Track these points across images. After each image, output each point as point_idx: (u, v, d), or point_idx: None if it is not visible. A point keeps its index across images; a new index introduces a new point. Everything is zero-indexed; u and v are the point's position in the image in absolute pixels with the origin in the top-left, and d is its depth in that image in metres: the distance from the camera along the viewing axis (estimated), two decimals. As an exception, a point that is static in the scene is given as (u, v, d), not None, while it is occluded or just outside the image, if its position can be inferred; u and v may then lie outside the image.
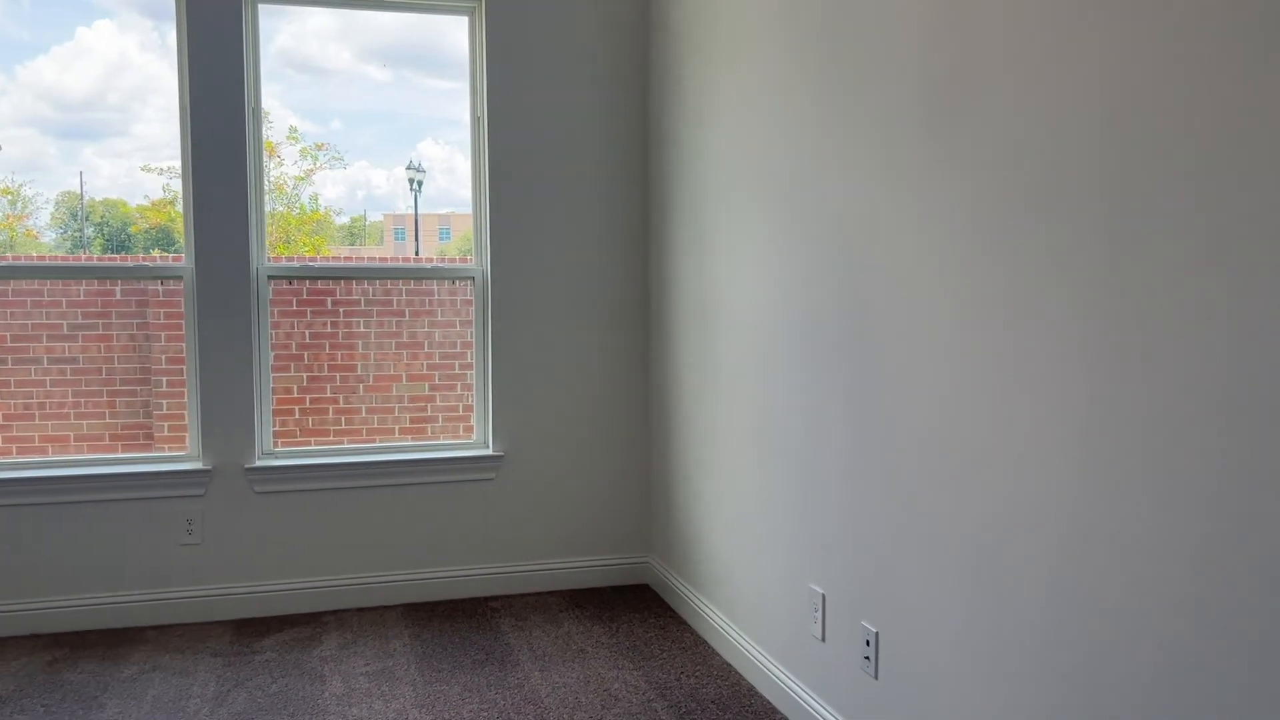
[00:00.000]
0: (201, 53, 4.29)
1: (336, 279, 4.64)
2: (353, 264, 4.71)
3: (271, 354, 4.56)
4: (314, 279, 4.61)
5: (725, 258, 3.91)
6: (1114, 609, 2.05)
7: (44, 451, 4.39)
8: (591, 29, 4.71)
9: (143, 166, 4.49)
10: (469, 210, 4.77)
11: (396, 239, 5.18)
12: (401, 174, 4.87)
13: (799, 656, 3.42)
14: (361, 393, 4.70)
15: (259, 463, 4.46)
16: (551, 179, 4.70)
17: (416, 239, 5.10)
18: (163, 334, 4.47)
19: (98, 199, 4.75)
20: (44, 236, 4.70)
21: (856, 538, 3.04)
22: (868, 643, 2.96)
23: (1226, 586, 1.80)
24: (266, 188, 4.61)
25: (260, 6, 4.42)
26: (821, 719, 3.24)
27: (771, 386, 3.55)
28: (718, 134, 3.96)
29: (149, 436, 4.49)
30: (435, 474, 4.66)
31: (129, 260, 4.48)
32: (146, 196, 4.64)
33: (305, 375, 4.63)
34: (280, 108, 4.62)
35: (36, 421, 4.39)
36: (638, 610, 4.54)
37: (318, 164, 4.78)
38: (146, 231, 4.78)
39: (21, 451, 4.37)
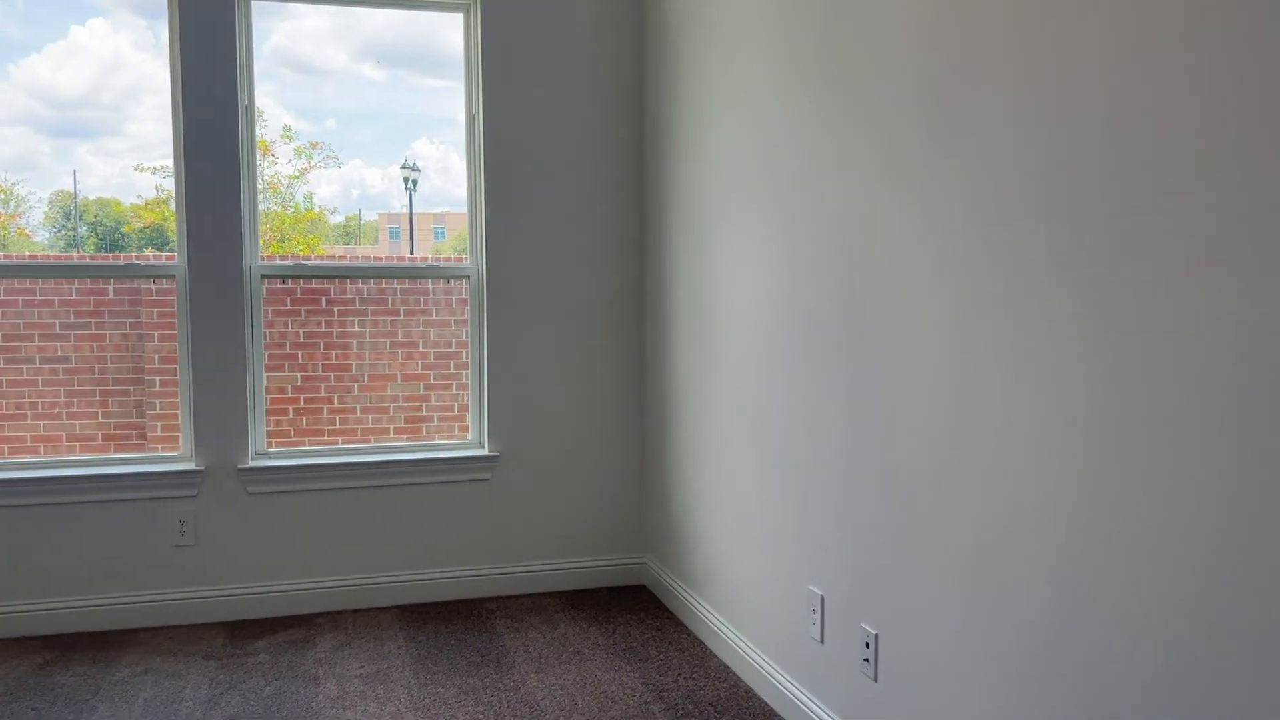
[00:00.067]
0: (193, 49, 4.26)
1: (330, 278, 4.61)
2: (347, 263, 4.69)
3: (265, 353, 4.53)
4: (308, 278, 4.58)
5: (724, 256, 3.88)
6: (1115, 609, 2.03)
7: (36, 451, 4.36)
8: (588, 26, 4.69)
9: (135, 166, 4.46)
10: (464, 209, 4.74)
11: (391, 238, 5.15)
12: (396, 173, 4.85)
13: (797, 658, 3.39)
14: (356, 392, 4.67)
15: (252, 463, 4.43)
16: (547, 177, 4.68)
17: (411, 238, 5.07)
18: (156, 333, 4.44)
19: (91, 198, 4.72)
20: (37, 236, 4.68)
21: (855, 538, 3.01)
22: (867, 644, 2.94)
23: (1229, 587, 1.78)
24: (260, 187, 4.58)
25: (253, 4, 4.39)
26: (820, 721, 3.22)
27: (770, 385, 3.53)
28: (716, 132, 3.93)
29: (142, 436, 4.46)
30: (430, 474, 4.63)
31: (121, 259, 4.45)
32: (140, 196, 4.61)
33: (299, 375, 4.60)
34: (275, 107, 4.60)
35: (29, 421, 4.36)
36: (634, 611, 4.52)
37: (312, 163, 4.76)
38: (140, 231, 4.75)
39: (13, 452, 4.34)
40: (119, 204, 4.77)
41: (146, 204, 4.64)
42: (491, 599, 4.68)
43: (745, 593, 3.79)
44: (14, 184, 4.49)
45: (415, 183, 4.88)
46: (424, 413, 4.74)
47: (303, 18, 4.64)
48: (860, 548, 2.99)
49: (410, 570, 4.64)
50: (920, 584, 2.70)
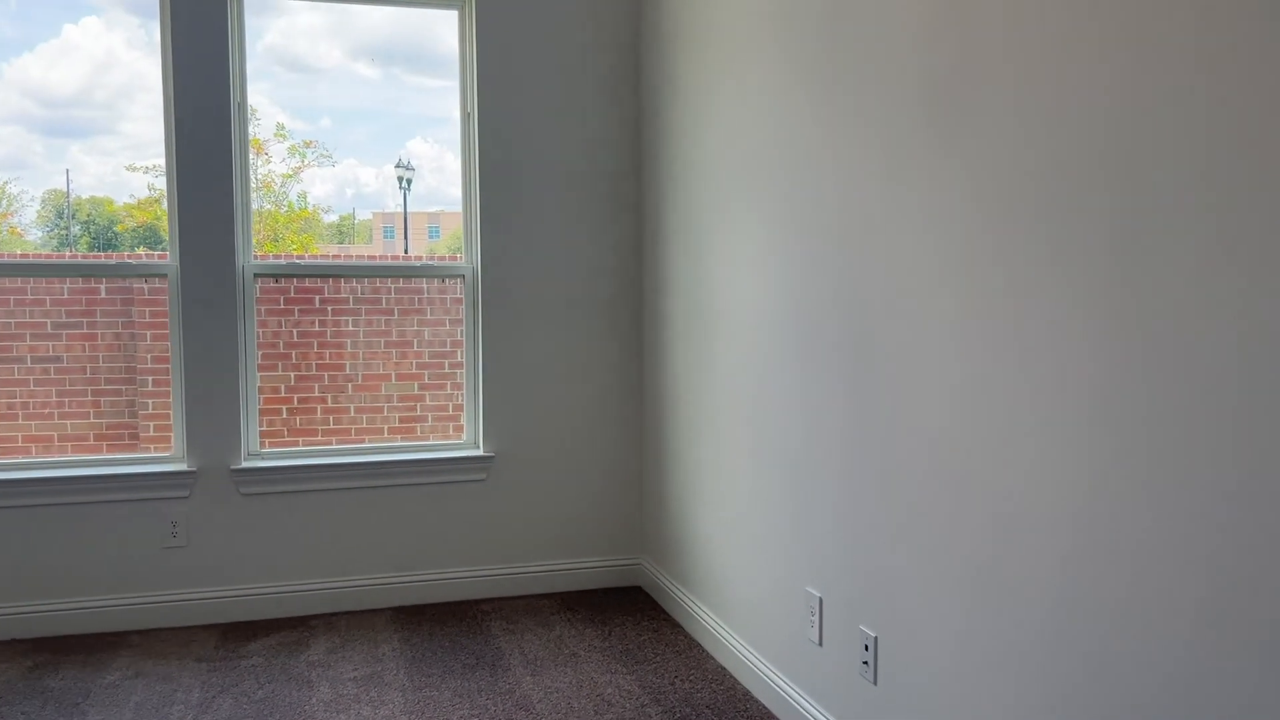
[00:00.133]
0: (185, 46, 4.23)
1: (324, 277, 4.58)
2: (341, 262, 4.65)
3: (259, 353, 4.50)
4: (302, 277, 4.55)
5: (722, 255, 3.85)
6: (1119, 612, 2.00)
7: (27, 452, 4.32)
8: (584, 22, 4.66)
9: (128, 166, 4.43)
10: (458, 209, 4.71)
11: (385, 237, 5.12)
12: (390, 172, 4.82)
13: (795, 661, 3.36)
14: (350, 392, 4.63)
15: (245, 464, 4.40)
16: (543, 175, 4.65)
17: (406, 237, 5.04)
18: (148, 333, 4.41)
19: (84, 197, 4.69)
20: (29, 234, 4.64)
21: (854, 540, 2.98)
22: (866, 647, 2.91)
23: (1236, 590, 1.75)
24: (254, 185, 4.55)
25: (246, 1, 4.36)
26: (818, 725, 3.19)
27: (769, 385, 3.50)
28: (714, 130, 3.90)
29: (134, 436, 4.43)
30: (425, 475, 4.60)
31: (113, 258, 4.41)
32: (133, 195, 4.57)
33: (293, 374, 4.56)
34: (269, 105, 4.57)
35: (20, 421, 4.32)
36: (630, 613, 4.48)
37: (306, 161, 4.73)
38: (133, 230, 4.72)
39: (4, 452, 4.30)
40: (112, 203, 4.74)
41: (139, 203, 4.61)
42: (487, 600, 4.64)
43: (743, 594, 3.75)
44: (6, 183, 4.46)
45: (410, 182, 4.85)
46: (418, 412, 4.71)
47: (296, 15, 4.61)
48: (859, 549, 2.96)
49: (405, 572, 4.60)
50: (920, 586, 2.67)
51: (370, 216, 5.08)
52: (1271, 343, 1.68)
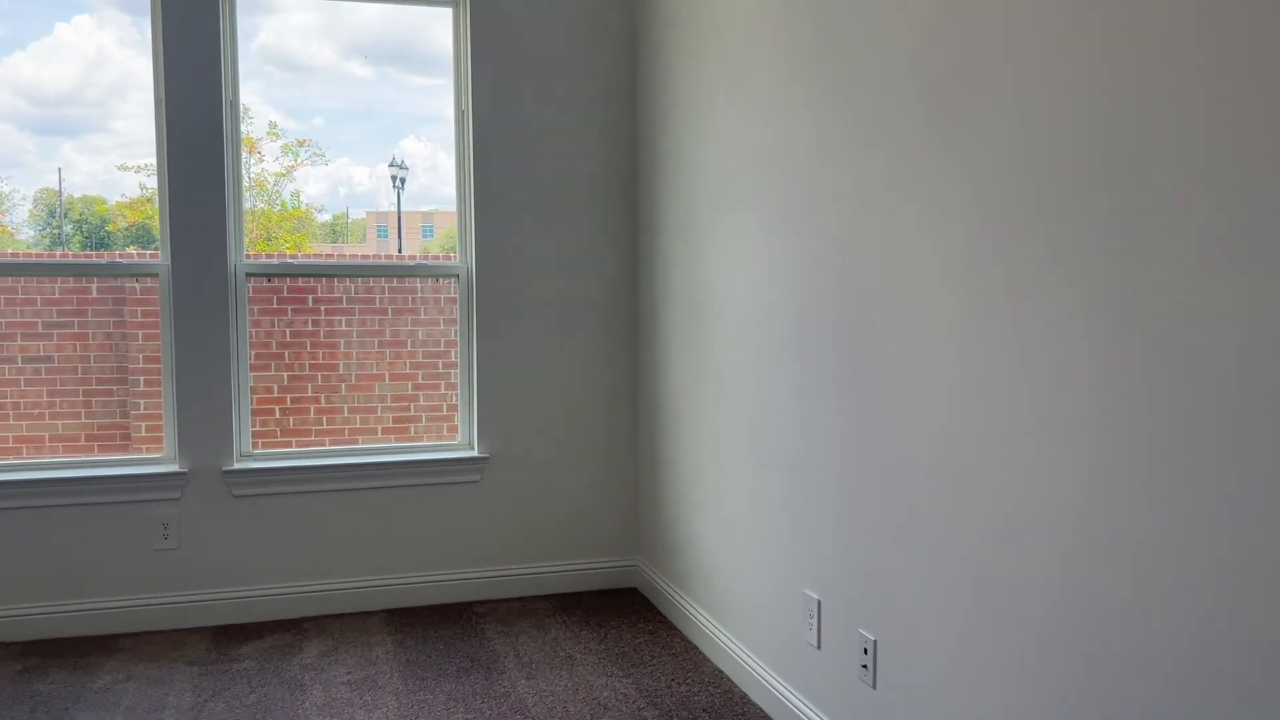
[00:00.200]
0: (177, 45, 4.19)
1: (317, 276, 4.54)
2: (334, 261, 4.62)
3: (251, 353, 4.46)
4: (294, 276, 4.51)
5: (719, 254, 3.82)
6: (1121, 615, 1.98)
7: (18, 453, 4.29)
8: (580, 19, 4.62)
9: (119, 165, 4.39)
10: (452, 208, 4.68)
11: (379, 236, 5.09)
12: (384, 171, 4.79)
13: (793, 664, 3.33)
14: (343, 392, 4.60)
15: (237, 465, 4.36)
16: (538, 174, 4.61)
17: (399, 236, 5.01)
18: (140, 332, 4.37)
19: (76, 196, 4.66)
20: (21, 233, 4.61)
21: (854, 541, 2.95)
22: (865, 650, 2.88)
23: (1238, 593, 1.72)
24: (247, 184, 4.51)
25: (238, -3, 4.34)
26: (816, 728, 3.16)
27: (766, 385, 3.47)
28: (712, 129, 3.87)
29: (126, 437, 4.39)
30: (419, 476, 4.56)
31: (104, 258, 4.38)
32: (124, 194, 4.54)
33: (286, 374, 4.53)
34: (261, 104, 4.54)
35: (11, 421, 4.28)
36: (626, 615, 4.45)
37: (299, 160, 4.69)
38: (125, 229, 4.69)
39: (-6, 454, 4.27)
40: (104, 202, 4.70)
41: (131, 202, 4.58)
42: (481, 603, 4.61)
43: (740, 596, 3.72)
44: (-2, 181, 4.43)
45: (403, 181, 4.82)
46: (412, 412, 4.67)
47: (288, 14, 4.58)
48: (858, 551, 2.93)
49: (398, 574, 4.57)
50: (920, 588, 2.64)
51: (364, 215, 5.05)
52: (1272, 343, 1.66)
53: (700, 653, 4.01)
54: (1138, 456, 1.94)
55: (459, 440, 4.70)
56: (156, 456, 4.37)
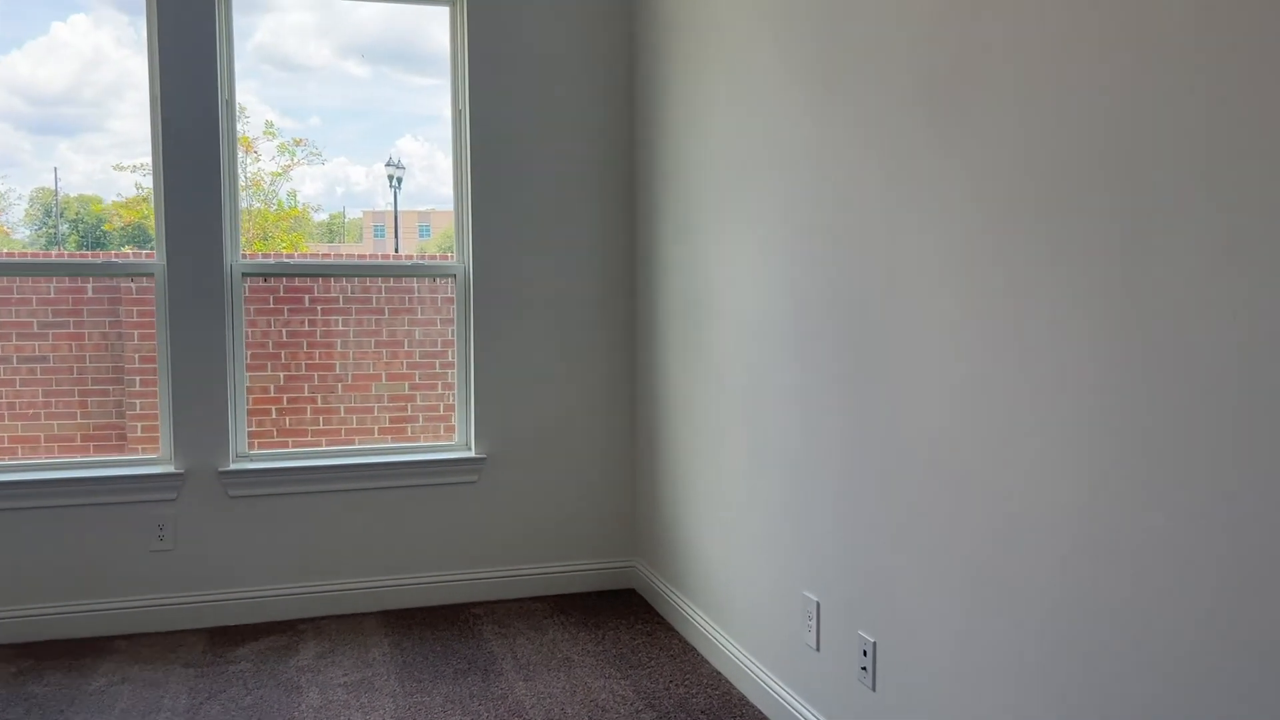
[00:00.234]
0: (172, 44, 4.17)
1: (314, 276, 4.52)
2: (330, 261, 4.60)
3: (247, 353, 4.44)
4: (291, 276, 4.49)
5: (719, 255, 3.81)
6: (1123, 617, 1.96)
7: (13, 453, 4.27)
8: (578, 17, 4.61)
9: (115, 165, 4.37)
10: (449, 207, 4.66)
11: (376, 236, 5.07)
12: (381, 170, 4.77)
13: (792, 666, 3.31)
14: (340, 392, 4.58)
15: (233, 465, 4.34)
16: (535, 173, 4.60)
17: (396, 236, 4.99)
18: (135, 332, 4.35)
19: (72, 195, 4.63)
20: (17, 233, 4.59)
21: (853, 542, 2.93)
22: (865, 653, 2.86)
23: (1241, 595, 1.71)
24: (243, 184, 4.49)
25: (234, -4, 4.32)
26: (815, 731, 3.14)
27: (766, 385, 3.45)
28: (710, 128, 3.86)
29: (122, 437, 4.37)
30: (416, 476, 4.55)
31: (100, 257, 4.36)
32: (120, 194, 4.52)
33: (282, 374, 4.51)
34: (258, 104, 4.52)
35: (6, 422, 4.26)
36: (624, 616, 4.43)
37: (296, 160, 4.67)
38: (121, 229, 4.67)
39: (-12, 454, 4.25)
40: (100, 202, 4.68)
41: (127, 202, 4.56)
42: (478, 604, 4.59)
43: (738, 597, 3.70)
44: (-7, 181, 4.42)
45: (400, 180, 4.80)
46: (409, 413, 4.65)
47: (286, 13, 4.56)
48: (858, 552, 2.91)
49: (395, 575, 4.55)
50: (920, 590, 2.62)
51: (360, 215, 5.03)
52: (1272, 343, 1.65)
53: (698, 654, 4.00)
54: (1138, 457, 1.92)
55: (456, 441, 4.68)
56: (152, 457, 4.35)
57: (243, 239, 4.44)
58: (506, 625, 4.32)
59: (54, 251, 4.52)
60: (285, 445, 4.52)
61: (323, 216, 4.93)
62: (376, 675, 3.80)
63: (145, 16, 4.21)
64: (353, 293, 4.57)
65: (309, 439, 4.55)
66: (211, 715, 3.47)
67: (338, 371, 4.57)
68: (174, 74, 4.18)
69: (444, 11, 4.57)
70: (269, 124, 4.56)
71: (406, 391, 4.65)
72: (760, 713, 3.48)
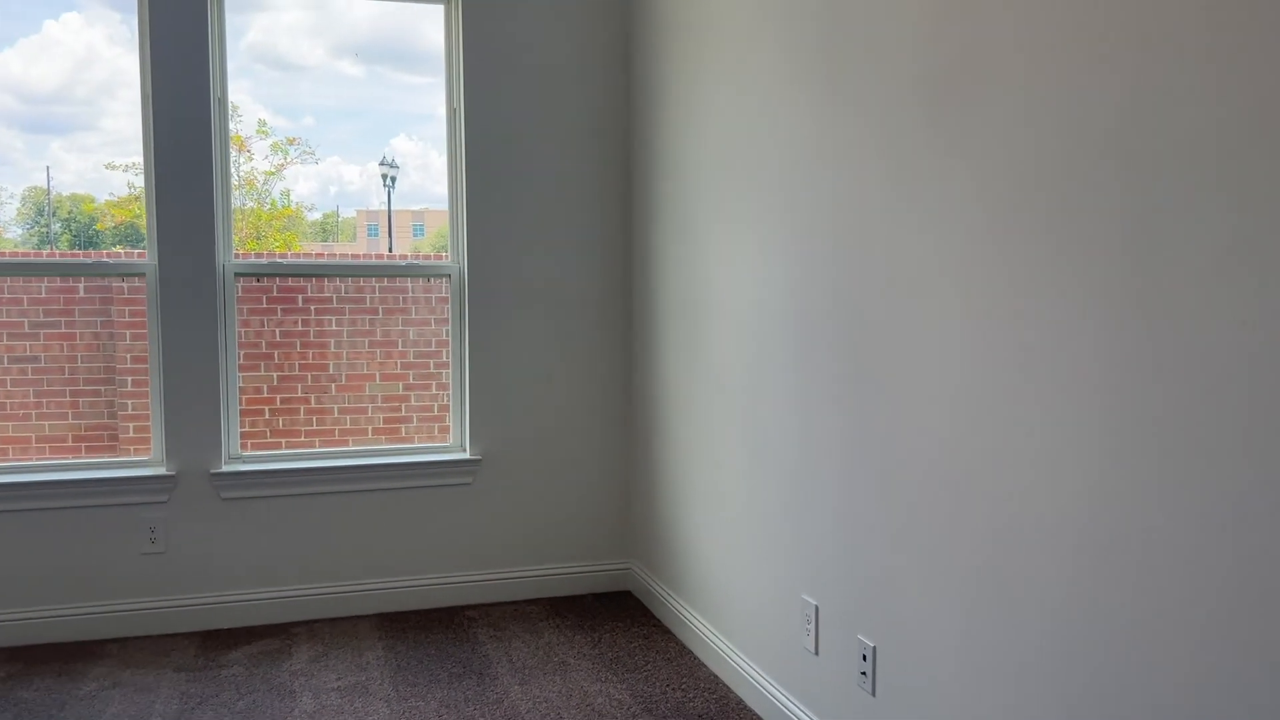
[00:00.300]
0: (164, 42, 4.13)
1: (307, 276, 4.48)
2: (324, 261, 4.56)
3: (240, 353, 4.40)
4: (284, 276, 4.45)
5: (715, 254, 3.78)
6: (1127, 623, 1.93)
7: (4, 455, 4.23)
8: (573, 14, 4.57)
9: (107, 164, 4.34)
10: (443, 207, 4.63)
11: (369, 235, 5.03)
12: (374, 169, 4.74)
13: (791, 670, 3.28)
14: (333, 393, 4.54)
15: (225, 468, 4.30)
16: (531, 172, 4.56)
17: (390, 235, 4.96)
18: (127, 333, 4.32)
19: (64, 194, 4.60)
20: (9, 232, 4.55)
21: (853, 544, 2.90)
22: (864, 657, 2.83)
23: (1248, 597, 1.68)
24: (236, 183, 4.46)
25: (227, -8, 4.28)
26: (814, 735, 3.11)
27: (763, 387, 3.42)
28: (709, 127, 3.83)
29: (113, 438, 4.33)
30: (410, 478, 4.51)
31: (91, 256, 4.32)
32: (112, 193, 4.48)
33: (275, 375, 4.47)
34: (251, 103, 4.48)
35: (-4, 423, 4.23)
36: (620, 619, 4.40)
37: (289, 159, 4.64)
38: (114, 228, 4.63)
39: (-22, 456, 4.21)
40: (92, 201, 4.65)
41: (119, 201, 4.52)
42: (473, 607, 4.56)
43: (736, 601, 3.67)
44: (-15, 180, 4.38)
45: (394, 179, 4.77)
46: (403, 413, 4.62)
47: (279, 12, 4.53)
48: (857, 554, 2.88)
49: (389, 577, 4.51)
50: (921, 595, 2.59)
51: (354, 214, 5.00)
52: (1278, 343, 1.62)
53: (695, 658, 3.96)
54: (1140, 458, 1.90)
55: (451, 442, 4.65)
56: (144, 459, 4.31)
57: (235, 238, 4.40)
58: (502, 628, 4.28)
59: (46, 251, 4.48)
60: (278, 446, 4.48)
61: (316, 216, 4.90)
62: (370, 679, 3.77)
63: (137, 14, 4.18)
64: (346, 292, 4.53)
65: (302, 440, 4.51)
66: (203, 720, 3.44)
67: (331, 372, 4.54)
68: (166, 72, 4.14)
69: (438, 10, 4.53)
70: (262, 123, 4.53)
71: (401, 392, 4.62)
72: (758, 717, 3.45)
